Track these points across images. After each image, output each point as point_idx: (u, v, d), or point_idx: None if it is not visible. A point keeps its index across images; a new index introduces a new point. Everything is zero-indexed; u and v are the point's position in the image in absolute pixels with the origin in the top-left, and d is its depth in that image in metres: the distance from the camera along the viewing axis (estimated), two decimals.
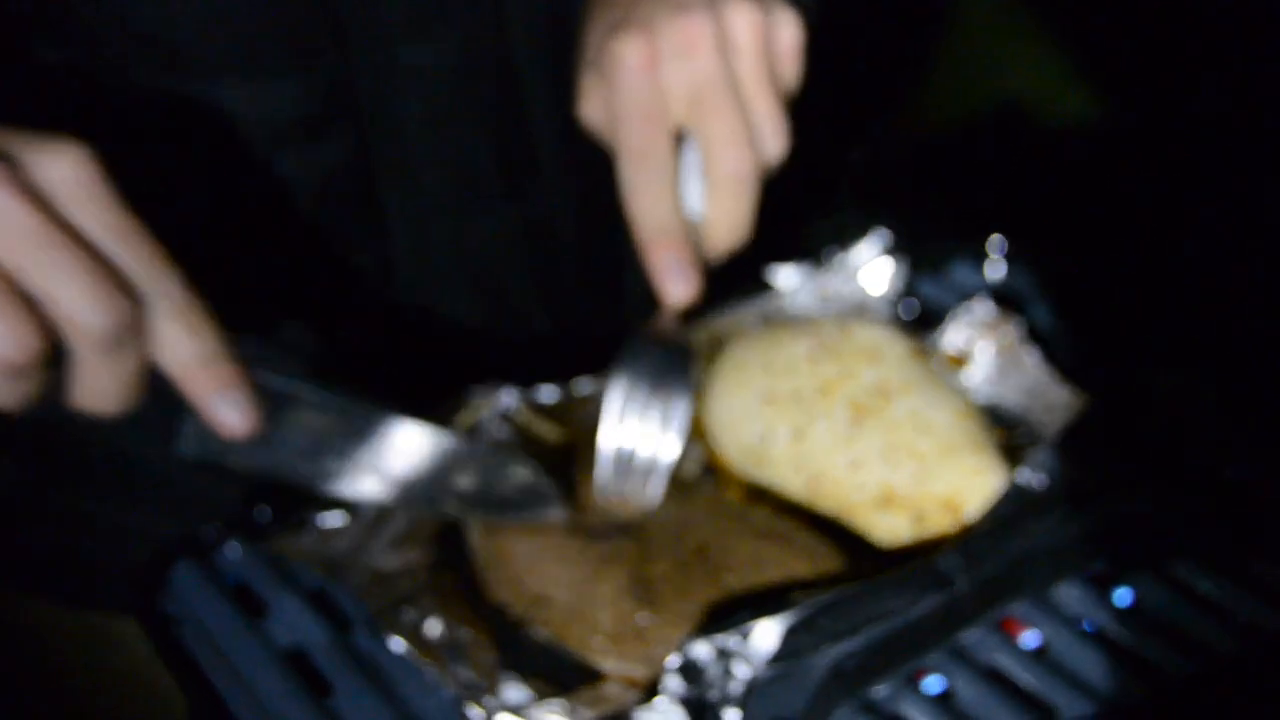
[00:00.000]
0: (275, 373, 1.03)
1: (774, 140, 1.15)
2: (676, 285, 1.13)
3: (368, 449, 1.08)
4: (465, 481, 1.10)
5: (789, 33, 1.15)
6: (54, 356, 0.88)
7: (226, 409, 0.93)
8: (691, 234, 1.15)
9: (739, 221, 1.15)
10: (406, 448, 1.09)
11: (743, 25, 1.11)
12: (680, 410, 1.13)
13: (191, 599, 1.12)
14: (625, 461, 1.13)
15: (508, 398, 1.23)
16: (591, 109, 1.17)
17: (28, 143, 0.88)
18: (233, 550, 1.15)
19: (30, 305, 0.86)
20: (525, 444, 1.23)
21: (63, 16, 1.19)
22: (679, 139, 1.14)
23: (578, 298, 1.53)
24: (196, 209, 1.30)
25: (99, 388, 0.90)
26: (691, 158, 1.15)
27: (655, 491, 1.13)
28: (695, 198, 1.15)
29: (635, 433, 1.13)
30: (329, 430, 1.06)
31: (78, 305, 0.86)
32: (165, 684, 1.10)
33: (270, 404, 1.00)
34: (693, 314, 1.17)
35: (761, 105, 1.13)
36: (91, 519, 1.43)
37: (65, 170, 0.87)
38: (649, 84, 1.10)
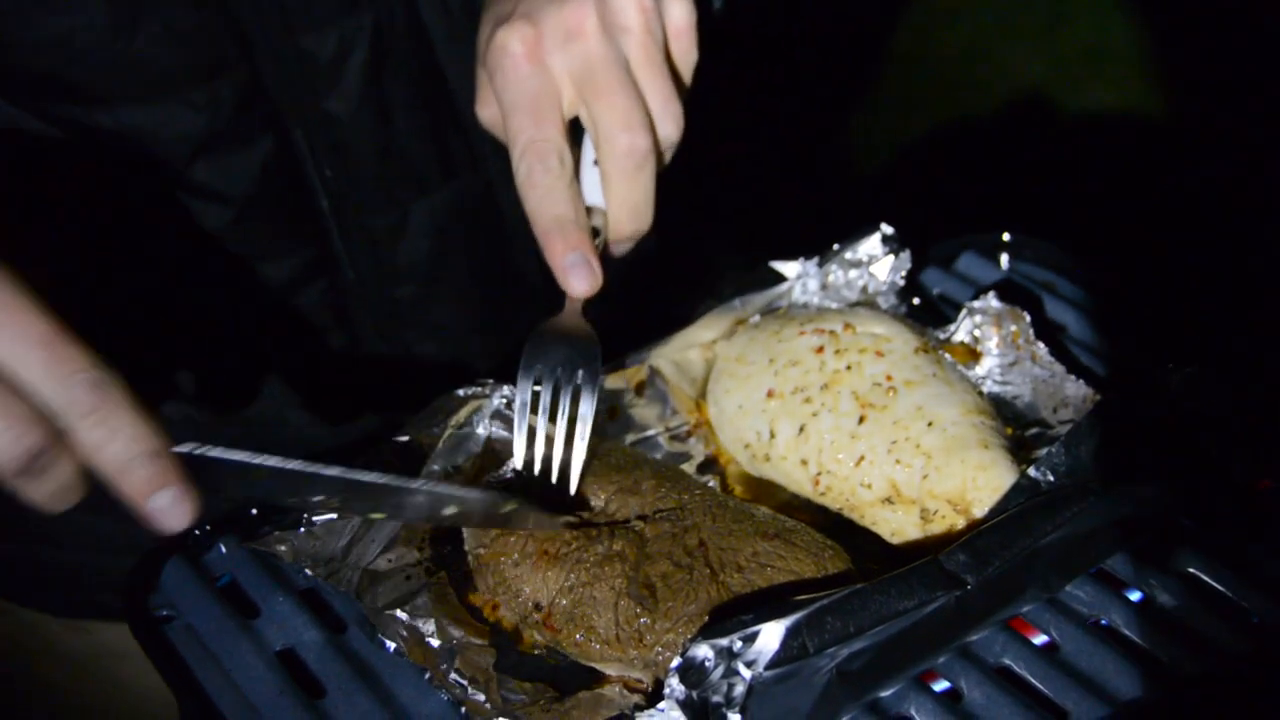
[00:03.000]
0: (229, 448, 0.96)
1: (668, 121, 1.12)
2: (578, 281, 1.11)
3: (345, 499, 1.06)
4: (450, 511, 1.09)
5: (679, 12, 1.13)
6: None
7: (159, 511, 0.88)
8: (596, 221, 1.14)
9: (638, 206, 1.12)
10: (380, 498, 1.07)
11: (628, 7, 1.09)
12: (589, 401, 1.11)
13: (181, 600, 1.10)
14: (543, 458, 1.12)
15: (498, 396, 1.21)
16: (487, 110, 1.16)
17: None
18: (223, 550, 1.13)
19: None
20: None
21: None
22: (575, 128, 1.12)
23: (527, 268, 1.51)
24: (124, 238, 1.27)
25: (37, 496, 0.86)
26: (588, 147, 1.14)
27: (573, 482, 1.12)
28: (592, 186, 1.13)
29: (545, 430, 1.12)
30: (299, 487, 1.03)
31: None
32: (164, 697, 1.09)
33: (224, 476, 0.94)
34: (593, 304, 1.16)
35: (653, 87, 1.11)
36: (75, 528, 1.41)
37: None
38: (535, 72, 1.08)
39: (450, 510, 1.06)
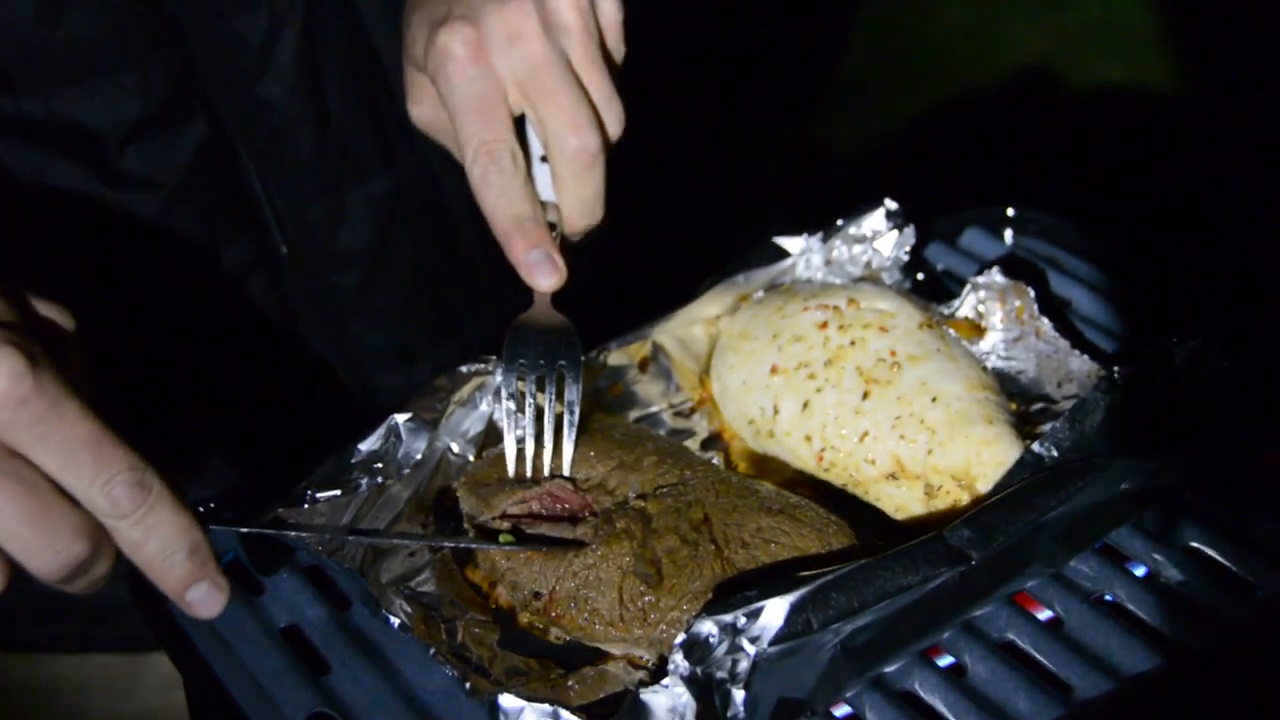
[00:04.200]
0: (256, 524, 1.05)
1: (612, 118, 1.14)
2: (543, 277, 1.13)
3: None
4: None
5: (610, 9, 1.15)
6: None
7: (197, 601, 0.91)
8: (551, 216, 1.15)
9: (590, 202, 1.14)
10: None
11: (566, 7, 1.11)
12: (573, 389, 1.12)
13: None
14: (533, 448, 1.13)
15: (501, 373, 1.21)
16: (423, 109, 1.17)
17: None
18: (227, 527, 1.13)
19: None
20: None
21: None
22: (520, 125, 1.14)
23: (471, 253, 1.51)
24: (55, 231, 1.27)
25: (70, 589, 0.88)
26: (535, 142, 1.15)
27: (565, 465, 1.13)
28: (543, 180, 1.15)
29: (534, 421, 1.12)
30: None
31: (31, 557, 0.84)
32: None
33: (258, 544, 1.04)
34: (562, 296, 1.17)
35: (595, 85, 1.13)
36: None
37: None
38: (480, 74, 1.09)
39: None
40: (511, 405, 1.12)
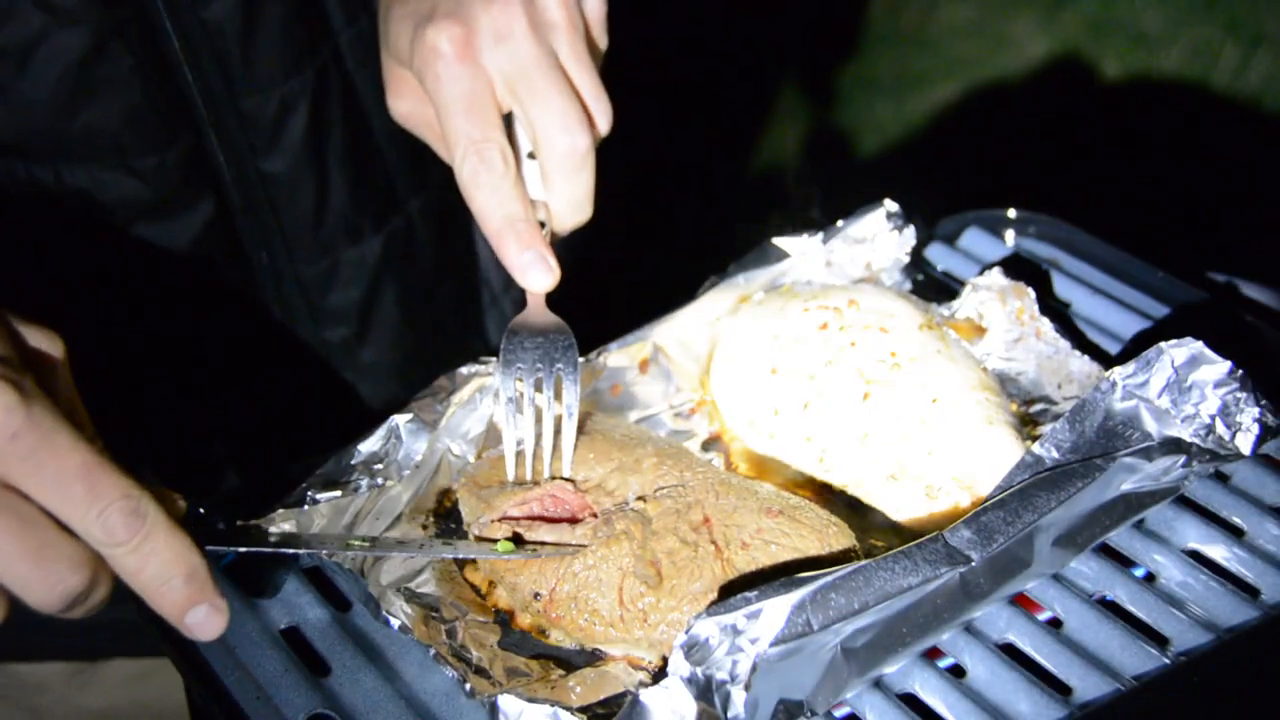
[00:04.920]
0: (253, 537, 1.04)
1: (601, 116, 1.14)
2: (537, 278, 1.12)
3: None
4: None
5: (594, 3, 1.15)
6: None
7: (195, 625, 0.90)
8: (540, 214, 1.15)
9: (580, 201, 1.14)
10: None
11: (554, 4, 1.11)
12: (571, 390, 1.12)
13: None
14: (532, 450, 1.13)
15: (498, 377, 1.21)
16: (405, 104, 1.18)
17: None
18: (225, 546, 1.13)
19: None
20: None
21: None
22: (507, 123, 1.13)
23: (439, 298, 1.55)
24: (58, 296, 1.26)
25: (68, 616, 0.87)
26: (522, 139, 1.15)
27: (565, 467, 1.13)
28: (533, 178, 1.15)
29: (533, 421, 1.12)
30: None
31: (29, 591, 0.83)
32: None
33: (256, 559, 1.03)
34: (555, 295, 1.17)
35: (583, 82, 1.13)
36: None
37: None
38: (469, 72, 1.09)
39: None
40: (510, 408, 1.12)
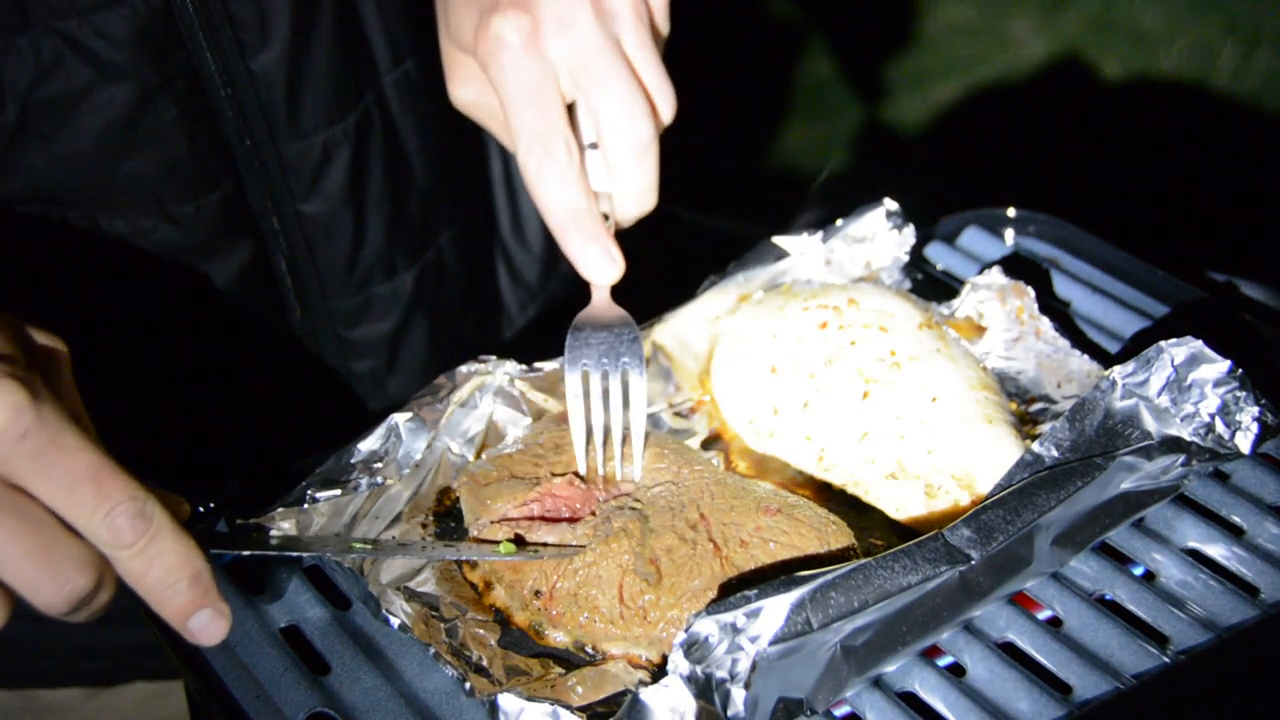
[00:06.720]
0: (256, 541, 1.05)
1: (665, 104, 1.13)
2: (601, 271, 1.12)
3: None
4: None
5: None
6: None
7: (198, 629, 0.90)
8: (603, 206, 1.14)
9: (644, 190, 1.13)
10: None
11: None
12: (638, 385, 1.12)
13: None
14: (600, 446, 1.12)
15: (501, 373, 1.21)
16: (467, 91, 1.17)
17: None
18: (226, 528, 1.13)
19: None
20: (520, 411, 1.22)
21: None
22: (570, 113, 1.12)
23: (463, 323, 1.55)
24: (87, 331, 1.29)
25: (76, 619, 0.88)
26: (586, 129, 1.13)
27: (636, 469, 1.12)
28: (595, 169, 1.13)
29: (601, 416, 1.12)
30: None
31: (34, 592, 0.83)
32: None
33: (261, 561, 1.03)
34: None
35: (648, 71, 1.11)
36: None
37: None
38: (534, 63, 1.08)
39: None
40: (578, 406, 1.11)
